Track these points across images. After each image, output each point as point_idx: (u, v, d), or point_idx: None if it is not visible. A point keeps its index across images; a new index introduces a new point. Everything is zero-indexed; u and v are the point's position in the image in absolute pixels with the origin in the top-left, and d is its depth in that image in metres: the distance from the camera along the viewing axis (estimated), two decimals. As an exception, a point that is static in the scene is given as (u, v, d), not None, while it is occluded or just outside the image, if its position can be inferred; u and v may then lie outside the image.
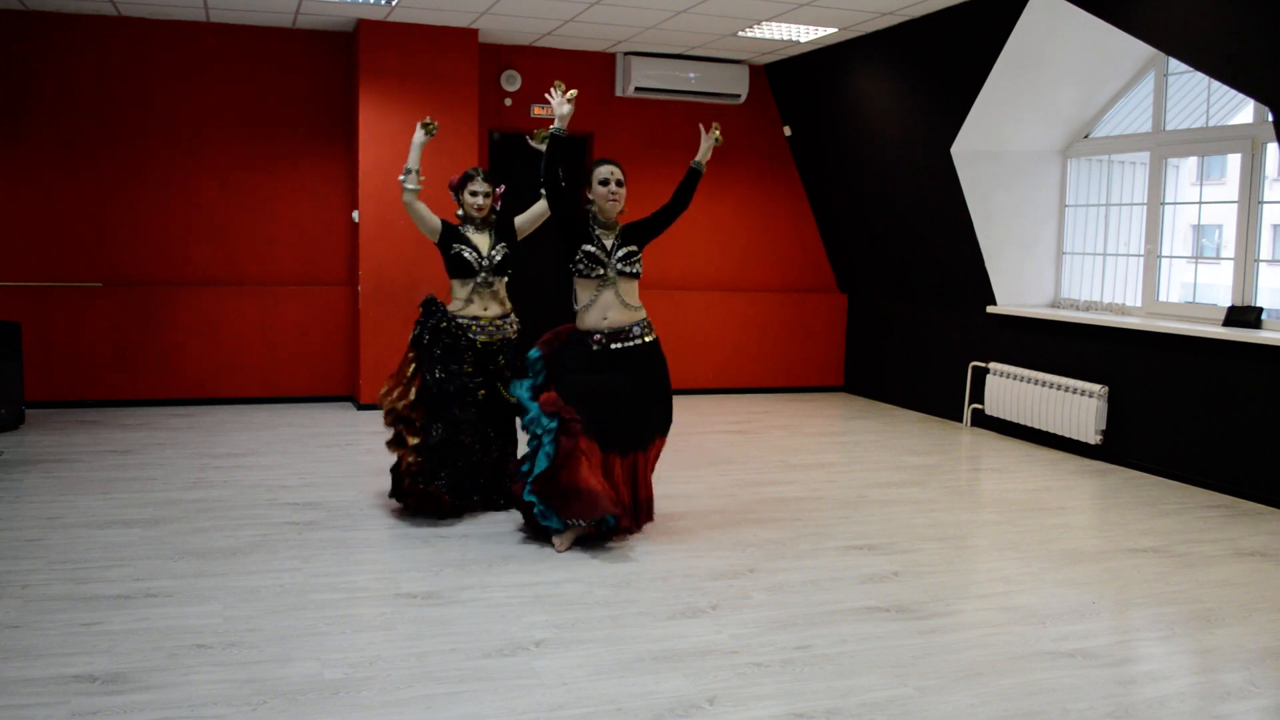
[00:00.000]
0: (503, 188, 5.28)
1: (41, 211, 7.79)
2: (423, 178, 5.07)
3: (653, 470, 4.91)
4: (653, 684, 3.24)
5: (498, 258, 5.09)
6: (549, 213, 5.16)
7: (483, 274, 5.04)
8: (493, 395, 5.08)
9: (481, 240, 5.09)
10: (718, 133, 4.90)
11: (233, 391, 8.20)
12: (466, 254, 5.02)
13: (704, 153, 4.86)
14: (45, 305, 7.75)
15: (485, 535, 4.80)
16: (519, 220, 5.27)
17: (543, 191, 5.13)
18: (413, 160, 5.02)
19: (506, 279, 5.18)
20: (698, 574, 4.33)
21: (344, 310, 8.43)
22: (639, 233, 4.82)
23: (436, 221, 5.06)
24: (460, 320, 5.03)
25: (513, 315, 5.21)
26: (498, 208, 5.21)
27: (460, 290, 5.07)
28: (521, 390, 4.77)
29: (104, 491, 5.41)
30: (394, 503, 5.23)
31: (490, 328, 5.07)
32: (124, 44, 7.83)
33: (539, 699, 3.12)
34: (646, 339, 4.81)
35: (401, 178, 5.04)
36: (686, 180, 4.86)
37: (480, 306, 5.06)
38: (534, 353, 4.81)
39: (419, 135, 5.05)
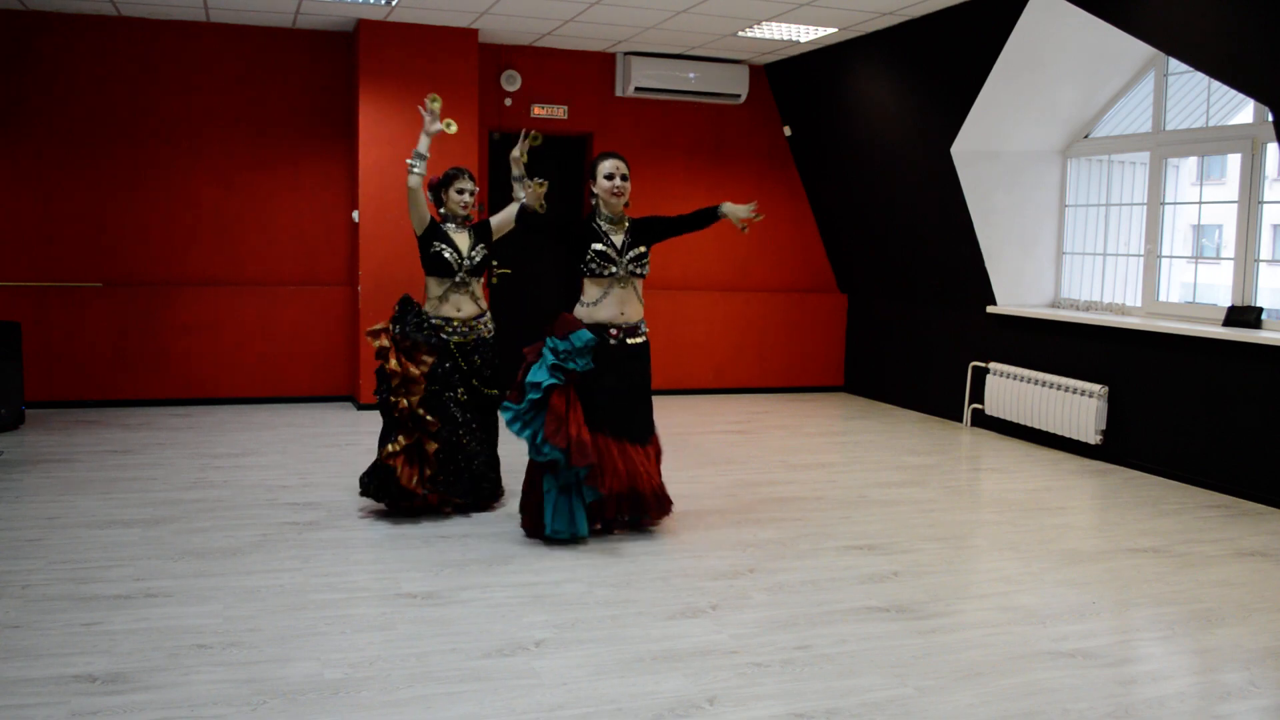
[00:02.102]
0: (477, 189, 5.31)
1: (41, 211, 7.79)
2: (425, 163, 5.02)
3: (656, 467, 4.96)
4: (653, 684, 3.24)
5: (477, 259, 5.10)
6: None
7: (460, 274, 5.05)
8: (472, 394, 5.09)
9: (461, 240, 5.10)
10: (756, 211, 4.90)
11: (233, 391, 8.20)
12: (447, 253, 5.03)
13: (735, 211, 4.84)
14: (45, 305, 7.75)
15: (485, 535, 4.80)
16: (494, 220, 5.29)
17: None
18: (423, 146, 4.98)
19: (482, 280, 5.20)
20: (698, 574, 4.33)
21: (344, 310, 8.43)
22: (648, 233, 4.84)
23: (429, 215, 5.08)
24: (433, 320, 5.04)
25: (488, 315, 5.22)
26: (479, 207, 5.21)
27: (436, 289, 5.08)
28: (542, 373, 4.61)
29: (104, 491, 5.41)
30: (372, 502, 5.23)
31: (464, 328, 5.08)
32: (124, 44, 7.83)
33: (539, 699, 3.12)
34: (646, 337, 4.92)
35: (410, 161, 4.95)
36: (707, 214, 4.89)
37: (454, 307, 5.07)
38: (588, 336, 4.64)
39: (433, 125, 4.98)
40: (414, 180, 4.97)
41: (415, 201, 5.01)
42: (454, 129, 5.14)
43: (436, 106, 5.06)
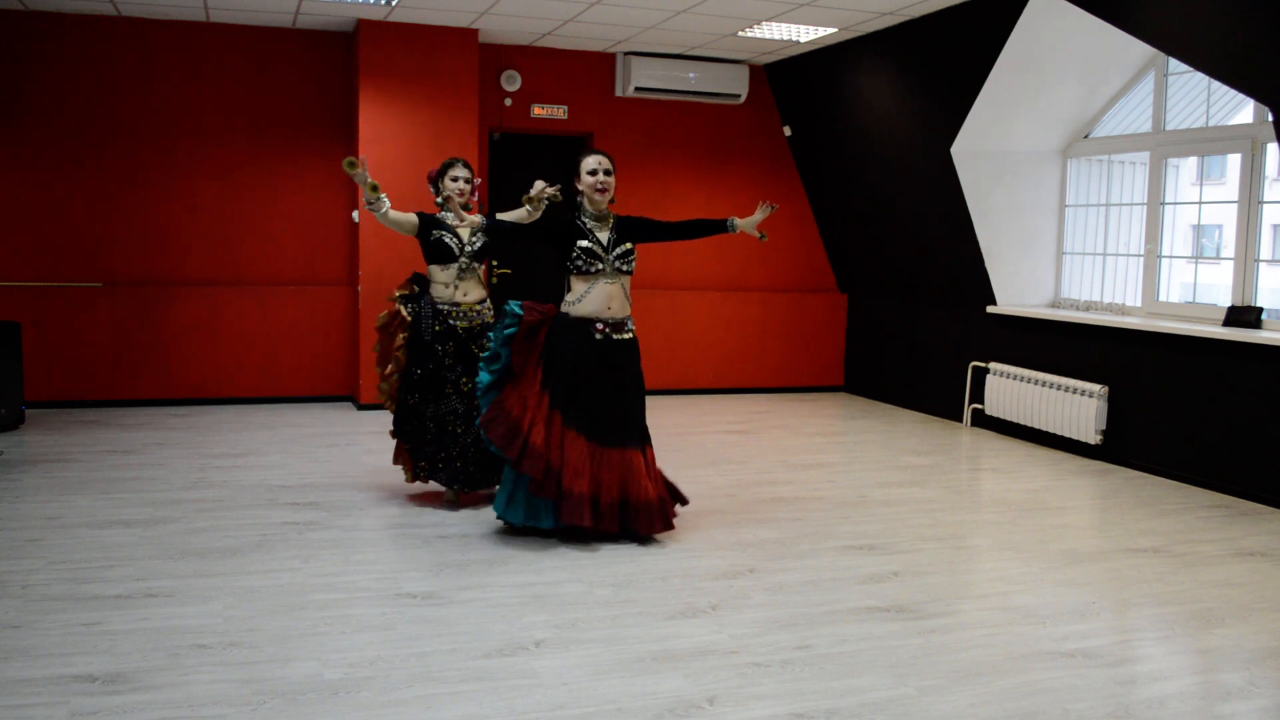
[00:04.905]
0: (480, 181, 5.37)
1: (41, 211, 7.79)
2: (386, 197, 4.94)
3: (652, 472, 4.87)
4: (653, 684, 3.24)
5: (477, 244, 5.17)
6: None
7: (463, 259, 5.12)
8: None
9: (460, 227, 5.16)
10: (768, 205, 4.94)
11: (233, 391, 8.20)
12: (447, 239, 5.11)
13: (750, 221, 4.90)
14: (45, 305, 7.75)
15: (485, 535, 4.80)
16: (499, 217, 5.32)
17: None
18: (368, 193, 4.85)
19: (483, 267, 5.30)
20: (698, 574, 4.33)
21: (344, 310, 8.43)
22: (634, 231, 4.82)
23: (412, 216, 5.10)
24: (441, 306, 5.12)
25: (489, 301, 5.30)
26: (475, 197, 5.27)
27: (441, 275, 5.13)
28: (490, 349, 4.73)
29: (104, 491, 5.42)
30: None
31: (471, 313, 5.17)
32: (124, 44, 7.83)
33: (539, 699, 3.12)
34: (634, 334, 4.87)
35: (370, 208, 4.86)
36: (712, 225, 4.91)
37: (461, 293, 5.15)
38: (515, 305, 4.67)
39: (359, 176, 4.82)
40: (380, 216, 4.91)
41: (391, 223, 5.00)
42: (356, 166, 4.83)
43: (356, 172, 4.81)
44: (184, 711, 2.98)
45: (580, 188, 4.75)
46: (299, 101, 8.25)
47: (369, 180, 4.83)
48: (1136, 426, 6.53)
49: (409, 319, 5.12)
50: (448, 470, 5.11)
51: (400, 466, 5.38)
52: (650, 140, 9.07)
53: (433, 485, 5.51)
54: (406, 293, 5.20)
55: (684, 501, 4.96)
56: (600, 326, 4.70)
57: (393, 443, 5.52)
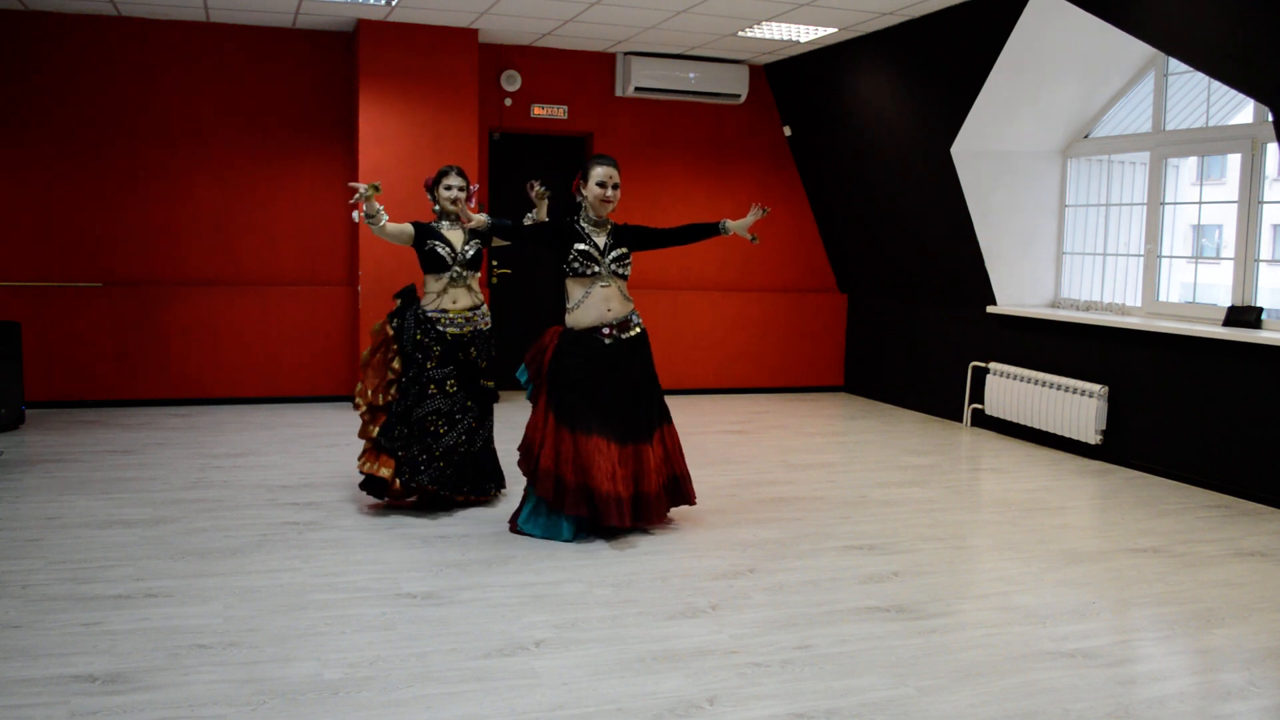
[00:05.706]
0: (477, 187, 5.40)
1: (41, 211, 7.79)
2: (383, 210, 5.03)
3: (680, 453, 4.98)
4: (653, 684, 3.24)
5: (470, 253, 5.19)
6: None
7: (455, 268, 5.14)
8: (466, 385, 5.16)
9: (454, 236, 5.20)
10: (761, 206, 4.96)
11: (233, 391, 8.20)
12: (440, 249, 5.12)
13: (742, 224, 4.93)
14: (45, 305, 7.75)
15: (485, 535, 4.80)
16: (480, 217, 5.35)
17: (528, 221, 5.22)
18: (370, 209, 4.94)
19: (479, 274, 5.30)
20: (698, 574, 4.33)
21: (344, 310, 8.43)
22: (632, 238, 4.89)
23: (407, 227, 5.14)
24: (429, 314, 5.12)
25: (484, 307, 5.30)
26: (473, 204, 5.30)
27: (434, 284, 5.17)
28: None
29: (104, 491, 5.42)
30: (369, 499, 5.28)
31: (460, 319, 5.15)
32: (124, 44, 7.83)
33: (539, 699, 3.12)
34: (642, 327, 4.91)
35: (369, 221, 4.94)
36: (704, 229, 4.96)
37: (450, 299, 5.16)
38: (521, 374, 4.88)
39: (367, 194, 4.91)
40: (377, 230, 4.99)
41: (392, 235, 5.07)
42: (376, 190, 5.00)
43: (368, 193, 4.92)
44: (184, 711, 2.98)
45: (585, 193, 4.78)
46: (299, 101, 8.25)
47: (374, 202, 4.93)
48: (1136, 426, 6.53)
49: (392, 334, 5.14)
50: (429, 470, 5.07)
51: (362, 466, 5.11)
52: (650, 140, 9.07)
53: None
54: (394, 309, 5.22)
55: (690, 502, 4.99)
56: (607, 331, 4.74)
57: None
